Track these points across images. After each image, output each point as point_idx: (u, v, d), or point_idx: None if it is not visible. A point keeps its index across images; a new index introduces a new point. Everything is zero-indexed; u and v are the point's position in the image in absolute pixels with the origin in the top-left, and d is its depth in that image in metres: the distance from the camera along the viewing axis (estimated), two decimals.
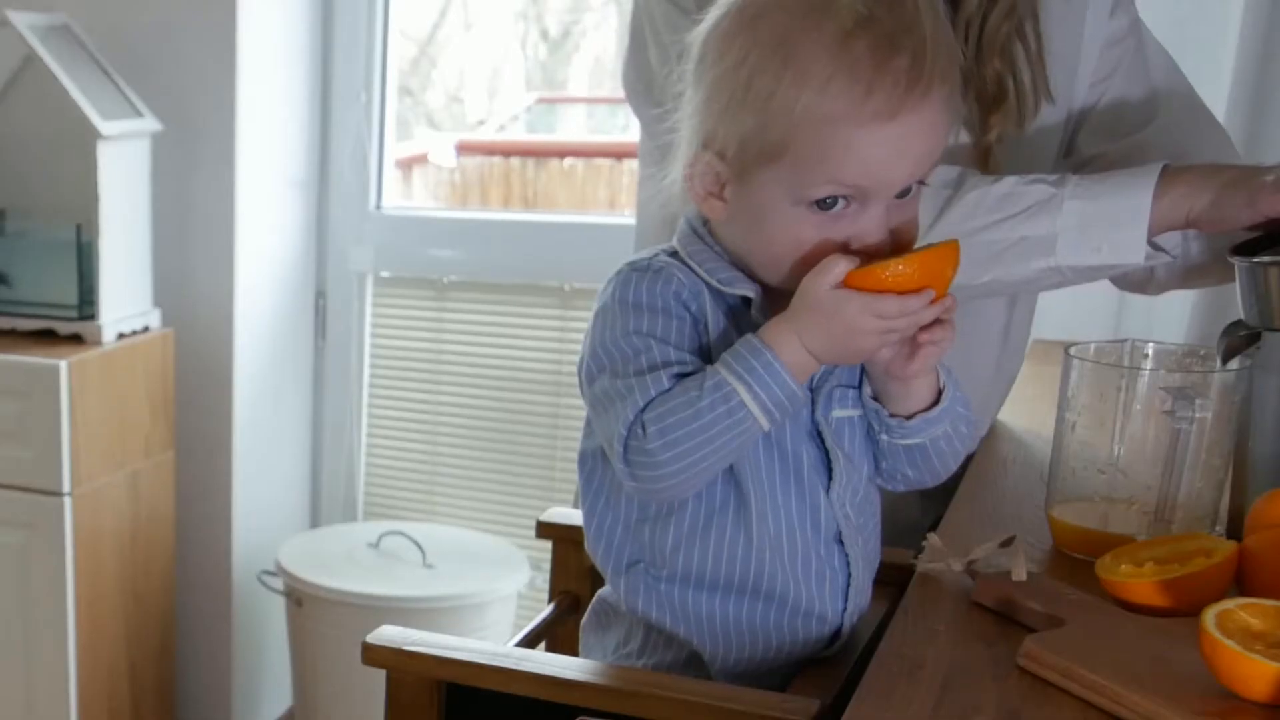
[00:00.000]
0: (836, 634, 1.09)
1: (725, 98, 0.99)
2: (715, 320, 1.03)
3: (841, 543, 1.08)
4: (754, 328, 1.03)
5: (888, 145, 0.96)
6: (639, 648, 1.11)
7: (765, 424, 0.99)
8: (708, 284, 1.04)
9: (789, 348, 0.98)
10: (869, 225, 0.98)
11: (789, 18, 0.96)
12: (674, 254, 1.06)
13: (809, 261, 0.99)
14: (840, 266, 0.97)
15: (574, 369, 1.09)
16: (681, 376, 1.00)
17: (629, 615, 1.11)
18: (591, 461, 1.11)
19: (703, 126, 1.01)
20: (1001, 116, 1.32)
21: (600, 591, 1.17)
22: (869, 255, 0.98)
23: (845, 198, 0.98)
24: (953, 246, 0.99)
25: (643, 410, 0.99)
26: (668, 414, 0.98)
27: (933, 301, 0.98)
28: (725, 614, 1.07)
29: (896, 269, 0.97)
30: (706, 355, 1.03)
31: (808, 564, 1.06)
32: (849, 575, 1.09)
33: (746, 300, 1.04)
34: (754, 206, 1.01)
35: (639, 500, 1.07)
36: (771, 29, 0.96)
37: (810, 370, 1.01)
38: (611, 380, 1.02)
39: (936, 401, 1.07)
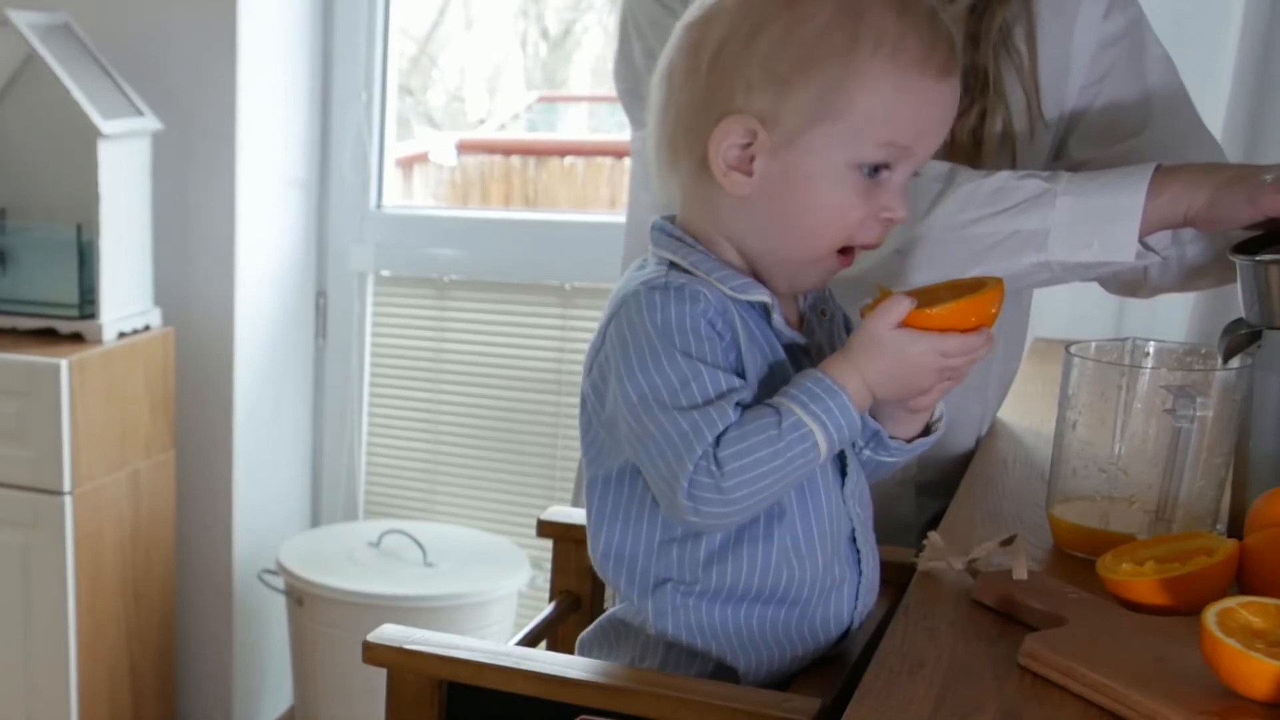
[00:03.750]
0: (845, 633, 1.09)
1: (789, 60, 0.98)
2: (744, 336, 1.02)
3: (854, 540, 1.08)
4: (776, 337, 1.03)
5: (941, 102, 1.00)
6: (659, 665, 1.08)
7: (824, 458, 0.99)
8: (725, 295, 1.02)
9: (854, 385, 0.99)
10: (893, 196, 1.01)
11: None
12: (673, 265, 1.04)
13: (839, 228, 1.01)
14: (903, 306, 0.98)
15: (575, 367, 1.08)
16: (741, 405, 0.99)
17: (650, 634, 1.08)
18: (603, 487, 1.08)
19: (724, 88, 1.00)
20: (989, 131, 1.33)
21: (614, 611, 1.13)
22: (916, 296, 1.00)
23: (887, 165, 1.00)
24: (999, 286, 1.01)
25: (715, 446, 0.97)
26: (747, 452, 0.96)
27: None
28: (752, 624, 1.05)
29: (954, 309, 0.99)
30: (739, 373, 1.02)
31: (829, 566, 1.06)
32: (860, 574, 1.09)
33: (757, 306, 1.03)
34: (798, 172, 1.00)
35: (664, 522, 1.05)
36: None
37: (867, 405, 1.01)
38: (663, 412, 0.98)
39: (929, 429, 1.11)
